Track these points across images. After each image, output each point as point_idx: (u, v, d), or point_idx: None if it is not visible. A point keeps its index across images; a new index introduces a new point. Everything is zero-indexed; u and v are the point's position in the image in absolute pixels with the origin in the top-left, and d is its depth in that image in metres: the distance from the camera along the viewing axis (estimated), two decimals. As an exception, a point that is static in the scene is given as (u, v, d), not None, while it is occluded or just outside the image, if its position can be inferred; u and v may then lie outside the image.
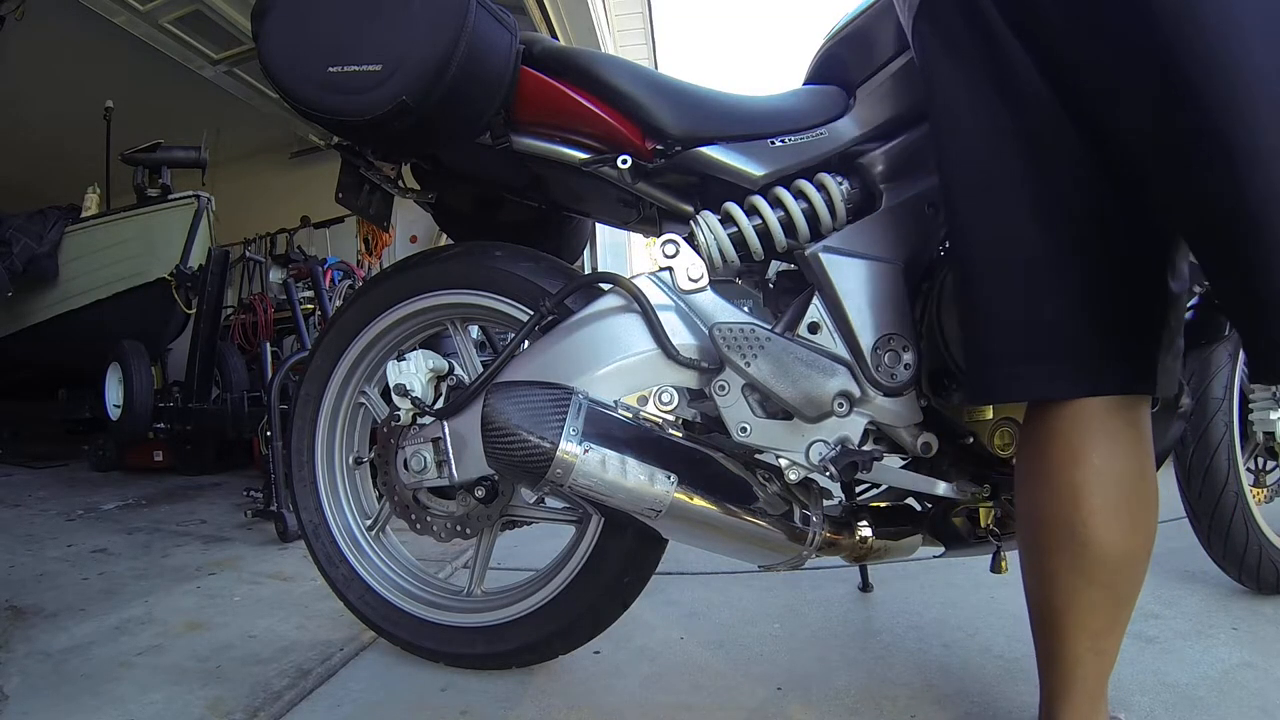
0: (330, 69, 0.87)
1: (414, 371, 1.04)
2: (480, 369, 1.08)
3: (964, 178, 0.75)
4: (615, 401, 0.88)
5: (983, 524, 0.96)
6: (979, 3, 0.71)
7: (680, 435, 0.89)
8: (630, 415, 0.88)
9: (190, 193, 3.16)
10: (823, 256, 0.89)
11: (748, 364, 0.86)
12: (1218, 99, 0.58)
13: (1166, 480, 1.11)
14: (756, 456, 0.90)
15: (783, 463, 0.88)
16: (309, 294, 3.15)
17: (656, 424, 0.88)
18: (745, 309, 0.92)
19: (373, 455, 1.14)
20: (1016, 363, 0.73)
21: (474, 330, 1.35)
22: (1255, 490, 1.34)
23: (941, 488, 0.93)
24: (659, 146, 0.96)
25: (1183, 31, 0.58)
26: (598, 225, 1.34)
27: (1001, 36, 0.70)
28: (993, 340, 0.74)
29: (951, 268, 0.82)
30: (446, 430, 1.01)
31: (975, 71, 0.73)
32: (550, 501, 0.99)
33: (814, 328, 0.89)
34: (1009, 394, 0.76)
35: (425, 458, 1.02)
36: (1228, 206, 0.59)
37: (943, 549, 1.02)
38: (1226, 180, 0.58)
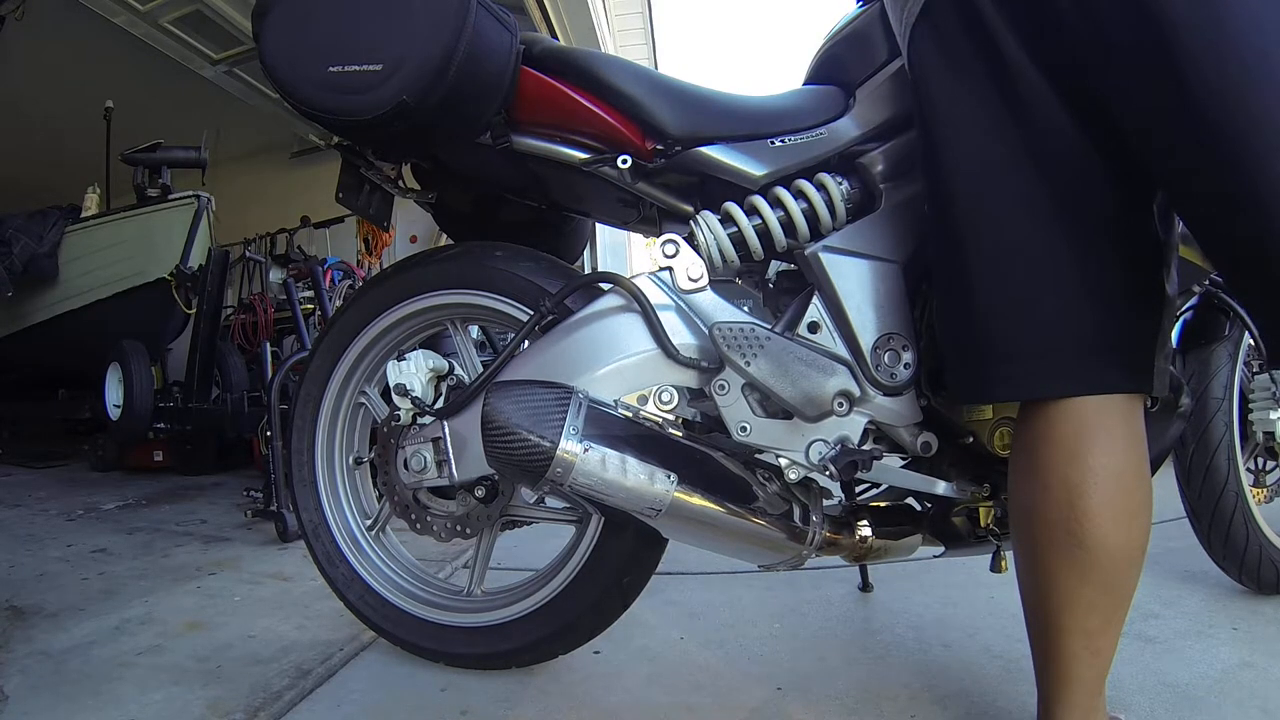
0: (331, 69, 0.87)
1: (414, 371, 1.04)
2: (480, 369, 1.08)
3: (961, 183, 0.76)
4: (615, 401, 0.88)
5: (983, 523, 0.96)
6: (983, 12, 0.71)
7: (680, 434, 0.89)
8: (630, 414, 0.88)
9: (190, 193, 3.15)
10: (822, 256, 0.89)
11: (748, 363, 0.86)
12: (1226, 99, 0.59)
13: (1166, 480, 1.12)
14: (756, 456, 0.90)
15: (783, 462, 0.88)
16: (309, 294, 3.15)
17: (656, 423, 0.88)
18: (745, 309, 0.92)
19: (373, 455, 1.14)
20: (1014, 361, 0.73)
21: (474, 330, 1.35)
22: (1255, 490, 1.34)
23: (941, 487, 0.93)
24: (659, 146, 0.96)
25: (1192, 34, 0.59)
26: (598, 225, 1.34)
27: (1005, 45, 0.71)
28: (991, 339, 0.75)
29: (938, 268, 0.82)
30: (446, 430, 1.01)
31: (976, 80, 0.73)
32: (550, 501, 0.99)
33: (814, 327, 0.89)
34: (1006, 393, 0.76)
35: (425, 457, 1.02)
36: (1237, 195, 0.60)
37: (943, 549, 1.02)
38: (1239, 174, 0.59)
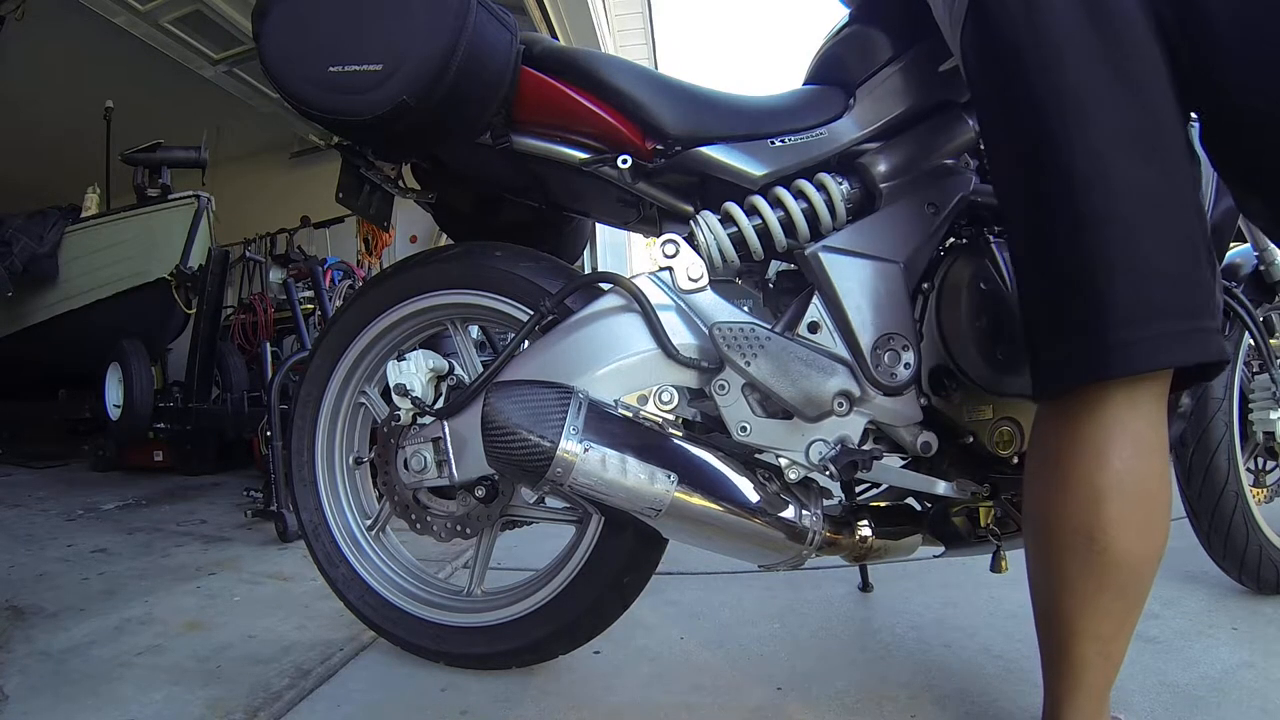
0: (331, 69, 0.87)
1: (414, 371, 1.04)
2: (480, 369, 1.08)
3: (1054, 120, 0.68)
4: (615, 401, 0.88)
5: (983, 523, 0.96)
6: None
7: (680, 434, 0.89)
8: (630, 414, 0.88)
9: (190, 193, 3.16)
10: (822, 256, 0.89)
11: (748, 363, 0.86)
12: None
13: (1166, 480, 1.11)
14: (756, 456, 0.90)
15: (783, 462, 0.88)
16: (309, 294, 3.15)
17: (657, 423, 0.88)
18: (745, 309, 0.92)
19: (373, 455, 1.14)
20: (1128, 326, 0.65)
21: (474, 330, 1.35)
22: (1255, 490, 1.33)
23: (941, 487, 0.93)
24: (659, 146, 0.96)
25: None
26: (598, 225, 1.34)
27: None
28: (1100, 300, 0.66)
29: (1027, 231, 0.73)
30: (447, 430, 1.01)
31: (1062, 11, 0.67)
32: (550, 501, 0.99)
33: (814, 327, 0.89)
34: (1120, 366, 0.66)
35: (425, 457, 1.02)
36: None
37: (943, 549, 1.02)
38: None
